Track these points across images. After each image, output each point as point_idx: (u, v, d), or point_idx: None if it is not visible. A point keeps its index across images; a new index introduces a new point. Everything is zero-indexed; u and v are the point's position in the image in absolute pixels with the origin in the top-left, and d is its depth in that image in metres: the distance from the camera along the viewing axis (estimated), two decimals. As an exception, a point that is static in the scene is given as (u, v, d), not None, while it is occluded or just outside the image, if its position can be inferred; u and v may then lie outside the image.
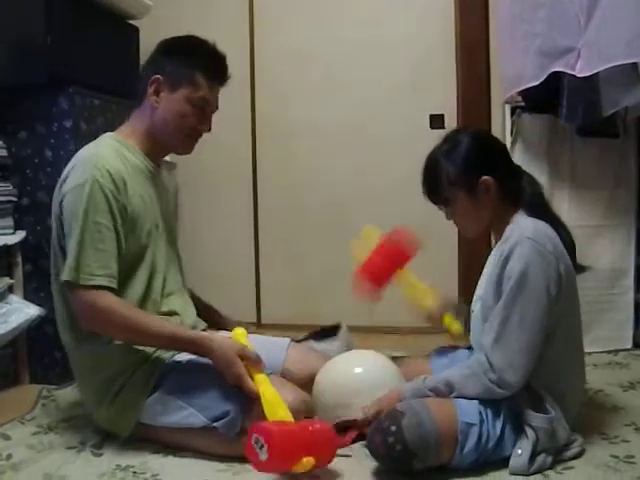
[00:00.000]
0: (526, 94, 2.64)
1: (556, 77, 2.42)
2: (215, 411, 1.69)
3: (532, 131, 2.73)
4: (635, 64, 2.27)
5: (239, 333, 1.82)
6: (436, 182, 1.77)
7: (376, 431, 1.56)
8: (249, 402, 1.65)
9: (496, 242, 1.82)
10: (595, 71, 2.23)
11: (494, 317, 1.62)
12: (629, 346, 2.74)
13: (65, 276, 1.70)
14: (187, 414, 1.71)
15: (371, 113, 3.35)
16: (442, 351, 2.06)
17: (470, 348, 1.92)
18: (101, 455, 1.78)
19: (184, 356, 1.81)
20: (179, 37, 1.94)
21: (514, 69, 2.57)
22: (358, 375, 1.88)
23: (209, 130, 1.94)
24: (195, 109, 1.87)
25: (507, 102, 2.81)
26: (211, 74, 1.88)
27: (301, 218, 3.51)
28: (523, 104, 2.74)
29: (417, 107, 3.28)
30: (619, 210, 2.76)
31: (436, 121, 3.23)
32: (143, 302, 1.83)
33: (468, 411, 1.58)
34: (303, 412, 1.72)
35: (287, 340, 2.06)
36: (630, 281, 2.76)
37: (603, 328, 2.72)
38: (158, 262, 1.90)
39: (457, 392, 1.62)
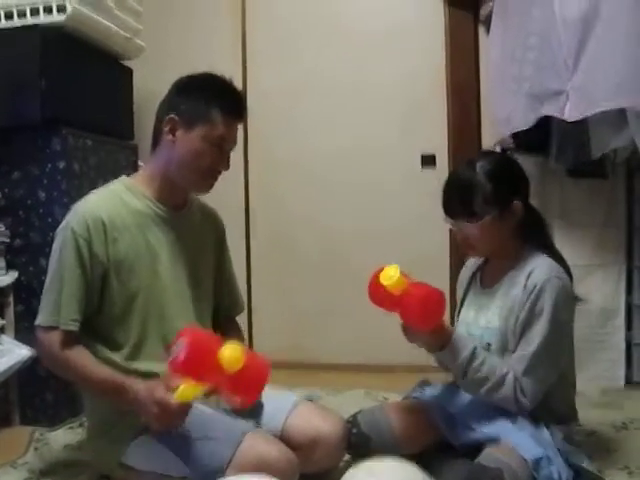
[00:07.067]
0: (516, 136, 2.66)
1: (546, 118, 2.45)
2: (199, 463, 1.61)
3: (523, 171, 2.74)
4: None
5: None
6: (469, 197, 1.74)
7: None
8: (234, 457, 1.56)
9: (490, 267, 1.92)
10: (584, 116, 2.25)
11: (528, 347, 1.66)
12: (621, 385, 2.76)
13: (36, 320, 1.73)
14: (168, 460, 1.64)
15: (362, 152, 3.37)
16: (423, 386, 2.00)
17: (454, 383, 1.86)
18: (93, 502, 1.76)
19: None
20: (193, 75, 1.86)
21: (505, 111, 2.59)
22: None
23: (227, 168, 1.87)
24: (212, 147, 1.79)
25: (499, 143, 2.83)
26: (228, 111, 1.80)
27: (293, 255, 3.50)
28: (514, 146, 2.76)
29: (409, 147, 3.30)
30: (609, 249, 2.80)
31: (427, 161, 3.26)
32: (135, 354, 1.77)
33: (529, 448, 1.57)
34: (289, 473, 1.57)
35: (292, 398, 1.92)
36: (621, 320, 2.78)
37: (595, 367, 2.73)
38: (152, 311, 1.81)
39: (487, 386, 1.65)
